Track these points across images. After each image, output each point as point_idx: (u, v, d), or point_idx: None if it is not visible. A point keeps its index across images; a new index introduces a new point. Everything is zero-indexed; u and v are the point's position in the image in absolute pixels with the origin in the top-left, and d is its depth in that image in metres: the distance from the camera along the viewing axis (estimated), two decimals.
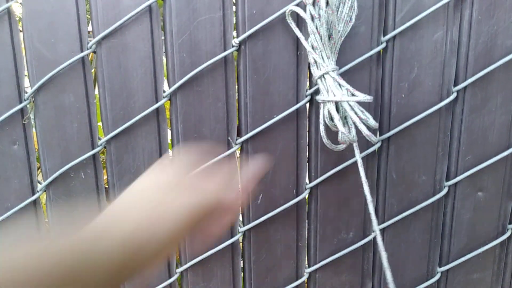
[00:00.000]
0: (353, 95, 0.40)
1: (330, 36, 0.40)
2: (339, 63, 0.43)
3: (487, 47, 0.44)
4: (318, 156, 0.47)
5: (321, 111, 0.42)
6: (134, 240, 0.26)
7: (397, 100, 0.45)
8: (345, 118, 0.40)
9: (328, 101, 0.40)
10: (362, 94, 0.39)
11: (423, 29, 0.43)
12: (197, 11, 0.44)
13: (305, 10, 0.40)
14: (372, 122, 0.39)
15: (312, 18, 0.39)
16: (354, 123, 0.39)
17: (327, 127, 0.42)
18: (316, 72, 0.41)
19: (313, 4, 0.39)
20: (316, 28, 0.39)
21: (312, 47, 0.41)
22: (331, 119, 0.41)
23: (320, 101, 0.41)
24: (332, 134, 0.42)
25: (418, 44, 0.44)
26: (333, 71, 0.40)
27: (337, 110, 0.40)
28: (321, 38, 0.39)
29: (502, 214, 0.48)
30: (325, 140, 0.43)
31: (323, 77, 0.41)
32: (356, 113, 0.39)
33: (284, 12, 0.42)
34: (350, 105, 0.39)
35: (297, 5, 0.42)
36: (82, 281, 0.23)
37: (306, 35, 0.41)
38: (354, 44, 0.44)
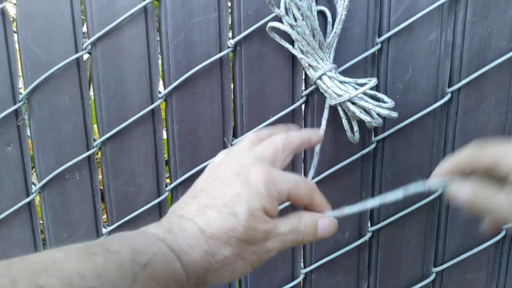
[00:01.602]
0: (357, 84, 0.41)
1: (319, 41, 0.40)
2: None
3: (481, 49, 0.44)
4: None
5: (340, 112, 0.42)
6: None
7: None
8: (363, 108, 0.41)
9: (342, 102, 0.41)
10: (365, 80, 0.40)
11: (417, 30, 0.44)
12: (193, 12, 0.44)
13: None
14: (388, 104, 0.40)
15: (292, 27, 0.39)
16: (370, 110, 0.40)
17: (349, 122, 0.43)
18: (313, 75, 0.41)
19: (287, 13, 0.39)
20: (301, 35, 0.39)
21: (303, 52, 0.41)
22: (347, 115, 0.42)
23: (333, 104, 0.41)
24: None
25: (412, 45, 0.44)
26: (330, 70, 0.41)
27: (352, 103, 0.41)
28: (308, 43, 0.40)
29: None
30: (349, 134, 0.43)
31: (321, 78, 0.41)
32: (369, 102, 0.40)
33: (276, 16, 0.42)
34: (359, 97, 0.40)
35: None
36: None
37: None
38: (349, 46, 0.44)
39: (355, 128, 0.43)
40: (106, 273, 0.20)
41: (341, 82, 0.41)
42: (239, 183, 0.27)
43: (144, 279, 0.22)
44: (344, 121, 0.43)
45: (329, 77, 0.41)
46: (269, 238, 0.27)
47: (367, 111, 0.40)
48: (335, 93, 0.40)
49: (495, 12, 0.43)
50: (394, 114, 0.40)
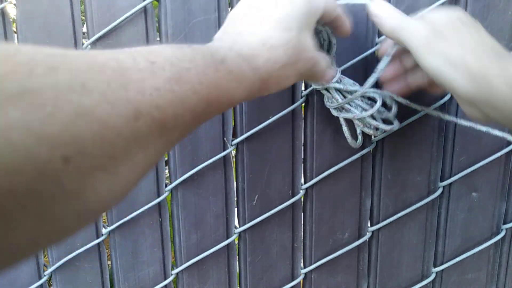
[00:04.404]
0: (362, 96, 0.40)
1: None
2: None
3: None
4: (314, 156, 0.47)
5: (341, 119, 0.42)
6: None
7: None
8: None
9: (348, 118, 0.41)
10: (371, 91, 0.39)
11: None
12: (193, 13, 0.44)
13: None
14: (392, 110, 0.40)
15: None
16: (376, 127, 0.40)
17: (350, 128, 0.43)
18: (318, 85, 0.41)
19: None
20: None
21: None
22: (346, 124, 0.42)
23: (335, 115, 0.42)
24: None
25: None
26: (337, 81, 0.40)
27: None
28: None
29: (496, 214, 0.48)
30: (350, 140, 0.43)
31: (327, 89, 0.40)
32: (373, 120, 0.40)
33: None
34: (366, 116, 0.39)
35: None
36: None
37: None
38: (349, 45, 0.44)
39: (358, 130, 0.42)
40: (195, 61, 0.24)
41: (348, 92, 0.40)
42: (284, 4, 0.30)
43: (223, 70, 0.25)
44: (344, 128, 0.42)
45: (336, 89, 0.40)
46: (313, 55, 0.32)
47: (370, 125, 0.40)
48: (339, 107, 0.40)
49: (494, 12, 0.43)
50: (396, 127, 0.40)
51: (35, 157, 0.15)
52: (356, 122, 0.41)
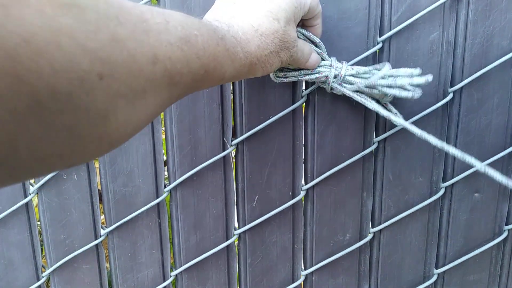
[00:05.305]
0: (376, 69, 0.40)
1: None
2: None
3: (483, 48, 0.43)
4: (314, 157, 0.47)
5: (367, 103, 0.40)
6: None
7: (393, 101, 0.45)
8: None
9: (372, 92, 0.40)
10: (381, 65, 0.39)
11: (419, 29, 0.43)
12: (192, 11, 0.44)
13: None
14: (417, 70, 0.38)
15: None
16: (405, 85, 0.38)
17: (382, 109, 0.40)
18: (333, 80, 0.40)
19: None
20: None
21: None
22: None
23: (364, 87, 0.40)
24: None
25: (414, 44, 0.43)
26: (348, 75, 0.40)
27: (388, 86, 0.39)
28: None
29: (498, 215, 0.48)
30: (393, 118, 0.39)
31: (344, 82, 0.40)
32: (404, 76, 0.38)
33: None
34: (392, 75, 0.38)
35: None
36: None
37: None
38: (350, 45, 0.43)
39: (394, 110, 0.41)
40: (201, 30, 0.26)
41: (361, 73, 0.40)
42: None
43: (222, 46, 0.27)
44: (378, 108, 0.39)
45: (351, 75, 0.40)
46: (295, 45, 0.35)
47: (402, 88, 0.38)
48: (347, 82, 0.40)
49: (497, 11, 0.43)
50: (417, 95, 0.38)
51: (78, 64, 0.16)
52: (373, 93, 0.39)
